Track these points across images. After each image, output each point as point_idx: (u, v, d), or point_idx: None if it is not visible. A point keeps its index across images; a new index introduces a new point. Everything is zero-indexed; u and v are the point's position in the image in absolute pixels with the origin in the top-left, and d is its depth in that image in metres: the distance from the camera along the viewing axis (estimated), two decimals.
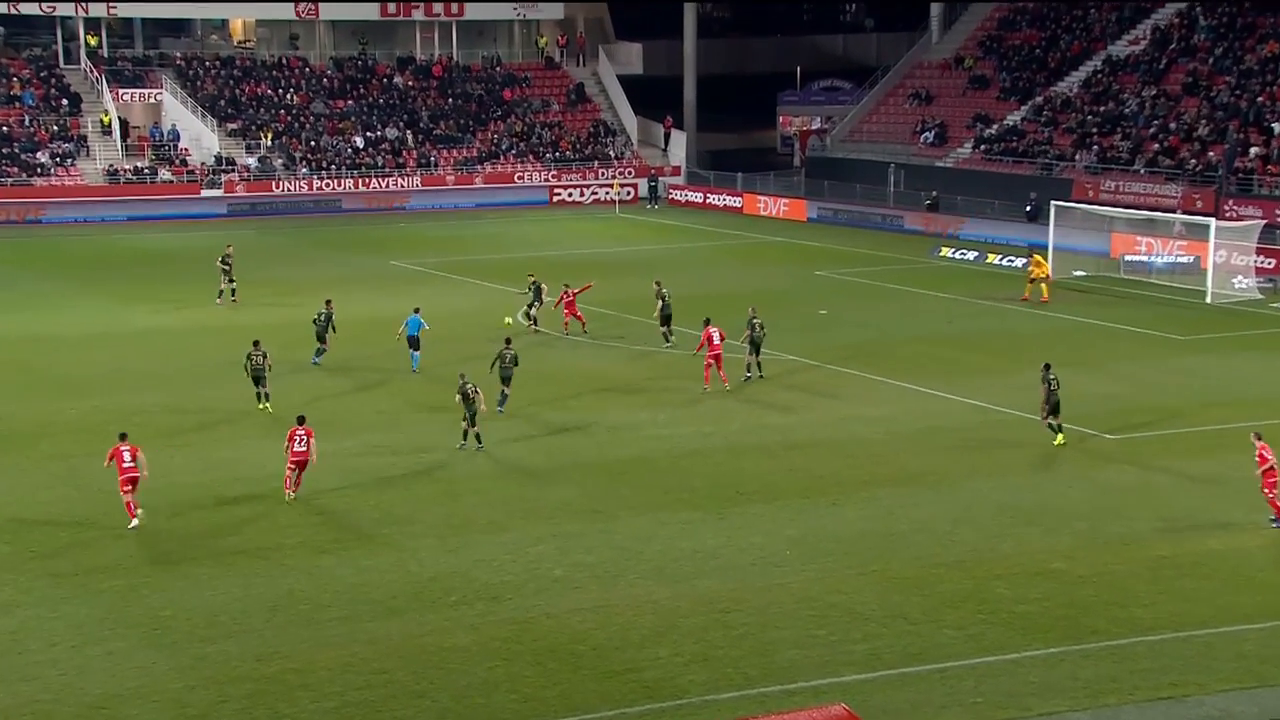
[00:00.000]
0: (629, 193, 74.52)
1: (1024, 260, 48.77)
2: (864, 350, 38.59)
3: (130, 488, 24.06)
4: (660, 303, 38.30)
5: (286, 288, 47.20)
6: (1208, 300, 45.29)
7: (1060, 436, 29.20)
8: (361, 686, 18.69)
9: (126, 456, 24.04)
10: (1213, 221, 46.99)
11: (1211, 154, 59.73)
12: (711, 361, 33.39)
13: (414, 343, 34.27)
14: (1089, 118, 67.21)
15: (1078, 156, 64.99)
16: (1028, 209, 60.53)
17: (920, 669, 19.08)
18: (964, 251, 55.37)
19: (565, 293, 40.14)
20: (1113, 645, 19.78)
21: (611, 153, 77.23)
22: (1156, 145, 62.17)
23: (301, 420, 25.65)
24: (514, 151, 75.86)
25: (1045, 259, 46.61)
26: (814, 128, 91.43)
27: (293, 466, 25.21)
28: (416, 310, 34.91)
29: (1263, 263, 48.79)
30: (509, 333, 36.23)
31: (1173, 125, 63.34)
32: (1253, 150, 58.40)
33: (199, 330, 41.01)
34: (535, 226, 66.13)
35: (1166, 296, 46.66)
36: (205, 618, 20.70)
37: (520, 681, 18.81)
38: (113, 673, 18.98)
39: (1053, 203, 51.96)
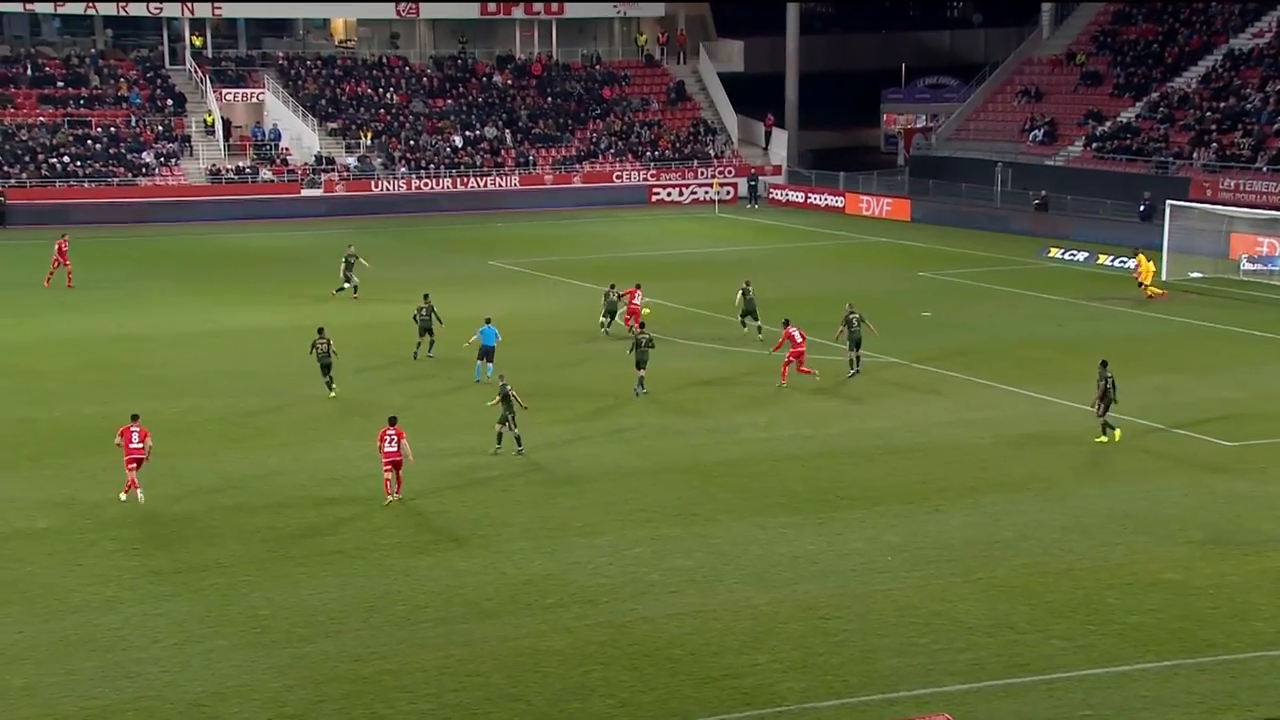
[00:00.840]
0: (728, 192, 74.42)
1: (1132, 260, 48.02)
2: (968, 353, 38.12)
3: (134, 466, 25.22)
4: (741, 296, 39.31)
5: (389, 286, 47.83)
6: None
7: (1104, 436, 28.98)
8: (457, 689, 18.87)
9: (135, 437, 25.30)
10: None
11: None
12: (792, 360, 33.97)
13: (488, 353, 33.99)
14: (1208, 114, 65.68)
15: (1195, 155, 63.55)
16: (1141, 208, 59.34)
17: (1026, 680, 18.81)
18: (1074, 252, 54.43)
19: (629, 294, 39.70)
20: (1230, 660, 19.35)
21: (711, 152, 77.18)
22: None
23: (393, 421, 25.77)
24: (612, 150, 76.14)
25: (1149, 258, 46.02)
26: (919, 126, 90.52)
27: (388, 468, 25.45)
28: (489, 320, 34.60)
29: None
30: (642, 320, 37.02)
31: None
32: None
33: (299, 329, 41.77)
34: (633, 226, 66.30)
35: None
36: (303, 617, 21.05)
37: (616, 686, 18.87)
38: (213, 671, 19.39)
39: (1168, 202, 50.89)
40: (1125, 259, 49.79)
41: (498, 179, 72.95)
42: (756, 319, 39.11)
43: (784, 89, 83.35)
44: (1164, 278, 48.85)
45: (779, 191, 75.00)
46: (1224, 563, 22.61)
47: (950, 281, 50.18)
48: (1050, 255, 55.21)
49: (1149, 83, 71.16)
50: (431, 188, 72.03)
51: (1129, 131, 68.10)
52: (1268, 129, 62.48)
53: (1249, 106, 64.70)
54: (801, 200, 73.13)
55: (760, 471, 27.76)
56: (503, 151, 74.71)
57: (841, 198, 71.18)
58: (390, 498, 25.60)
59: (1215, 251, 50.91)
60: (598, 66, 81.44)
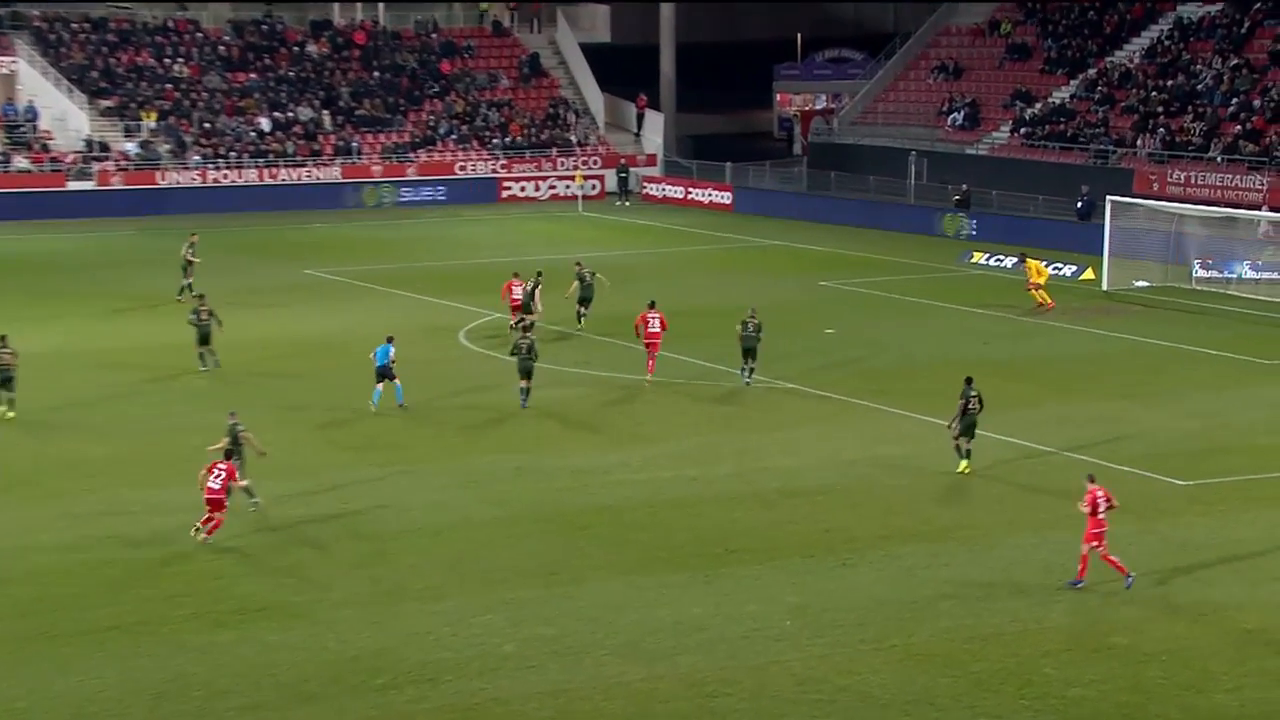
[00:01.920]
0: (594, 186, 74.79)
1: (1016, 262, 49.85)
2: (880, 377, 38.75)
3: None
4: (578, 283, 43.22)
5: (171, 300, 47.05)
6: None
7: (965, 464, 30.21)
8: None
9: None
10: None
11: None
12: (649, 348, 37.26)
13: (384, 373, 34.78)
14: (1153, 94, 67.81)
15: (1140, 142, 65.56)
16: (1079, 205, 61.02)
17: None
18: (1000, 257, 55.70)
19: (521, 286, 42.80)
20: None
21: (573, 138, 77.51)
22: (1237, 128, 62.75)
23: (229, 455, 27.04)
24: (454, 137, 76.03)
25: (1039, 262, 47.94)
26: (818, 108, 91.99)
27: (210, 507, 26.18)
28: (390, 339, 35.17)
29: None
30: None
31: (1257, 103, 63.97)
32: None
33: (72, 354, 40.84)
34: (480, 227, 66.22)
35: (1250, 312, 47.07)
36: (72, 710, 20.56)
37: None
38: None
39: (1109, 198, 52.41)
40: (1010, 259, 51.31)
41: (314, 170, 72.34)
42: (587, 308, 43.07)
43: (658, 63, 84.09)
44: (1105, 287, 50.28)
45: (654, 185, 75.57)
46: (1178, 624, 23.24)
47: (857, 292, 51.01)
48: (973, 260, 56.44)
49: (1085, 57, 73.28)
50: (233, 180, 71.14)
51: (1062, 115, 70.01)
52: (1222, 112, 64.73)
53: (1200, 86, 66.97)
54: (681, 196, 73.78)
55: (636, 520, 27.85)
56: (320, 137, 74.10)
57: (728, 193, 72.03)
58: (200, 536, 26.19)
59: (1164, 256, 52.53)
60: (434, 35, 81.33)
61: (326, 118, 75.07)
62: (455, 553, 26.20)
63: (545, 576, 25.09)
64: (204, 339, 38.27)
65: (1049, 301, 46.83)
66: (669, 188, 74.73)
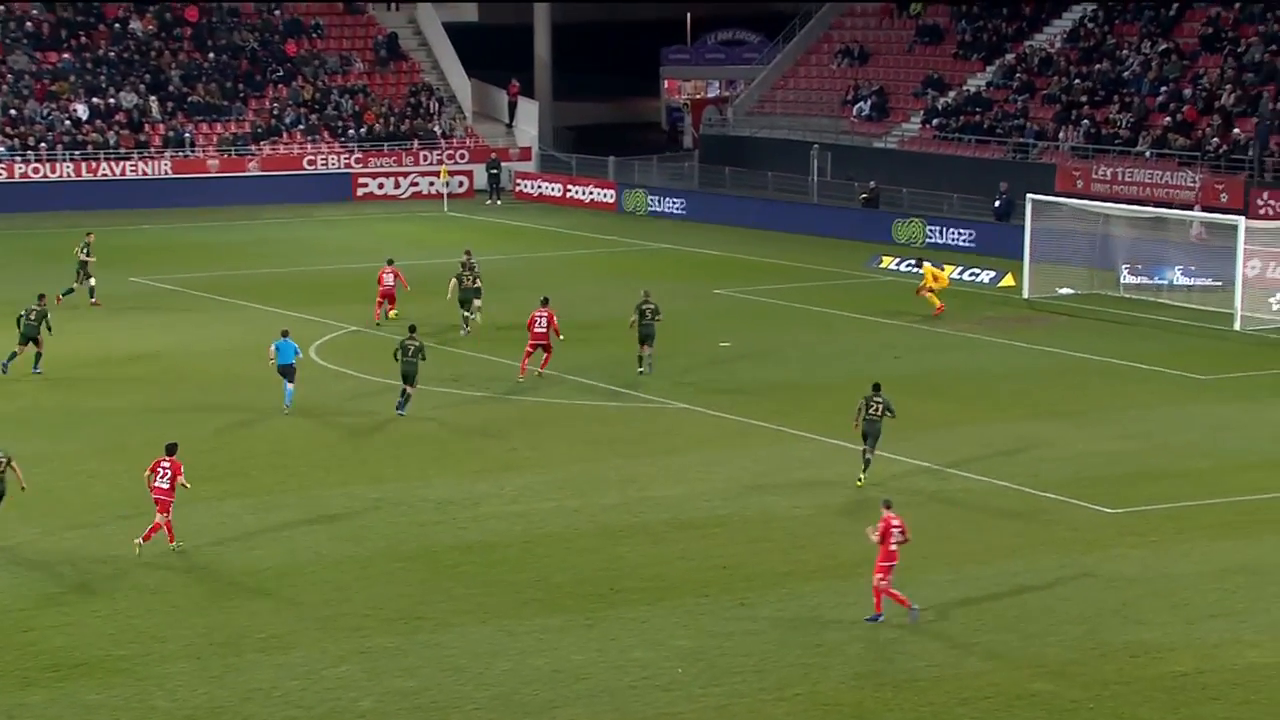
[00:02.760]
0: (462, 183, 74.59)
1: (916, 266, 51.07)
2: (779, 395, 38.98)
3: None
4: (457, 282, 44.72)
5: None
6: (1236, 327, 46.67)
7: (864, 474, 31.60)
8: None
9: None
10: (1242, 221, 48.47)
11: (1239, 131, 61.66)
12: (530, 350, 39.09)
13: (288, 372, 36.54)
14: (1076, 82, 68.99)
15: (1062, 134, 66.66)
16: (996, 204, 61.89)
17: None
18: (913, 261, 56.30)
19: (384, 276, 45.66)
20: None
21: (437, 129, 77.27)
22: (1166, 119, 64.01)
23: (170, 450, 27.81)
24: (302, 127, 75.46)
25: (937, 266, 49.22)
26: (710, 96, 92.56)
27: (160, 511, 27.44)
28: (285, 333, 37.25)
29: None
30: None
31: (1187, 92, 65.31)
32: None
33: None
34: (332, 230, 65.75)
35: (1183, 322, 47.99)
36: None
37: None
38: None
39: (1029, 196, 53.20)
40: (927, 263, 52.05)
41: (141, 164, 71.42)
42: (474, 303, 44.77)
43: (532, 46, 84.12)
44: (1026, 294, 51.02)
45: (529, 182, 75.56)
46: (1107, 667, 23.54)
47: (755, 301, 51.32)
48: (883, 265, 57.02)
49: (1002, 40, 74.40)
50: (44, 175, 70.04)
51: (978, 104, 71.01)
52: (1150, 102, 66.00)
53: (1126, 73, 68.24)
54: (559, 194, 73.84)
55: (509, 558, 27.76)
56: (147, 127, 73.13)
57: (611, 190, 72.18)
58: (139, 544, 27.38)
59: (1090, 260, 53.40)
60: (278, 13, 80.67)
61: (154, 105, 74.13)
62: (304, 597, 25.92)
63: (407, 622, 24.88)
64: (27, 339, 39.00)
65: (938, 305, 47.68)
66: (545, 185, 74.74)
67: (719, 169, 73.52)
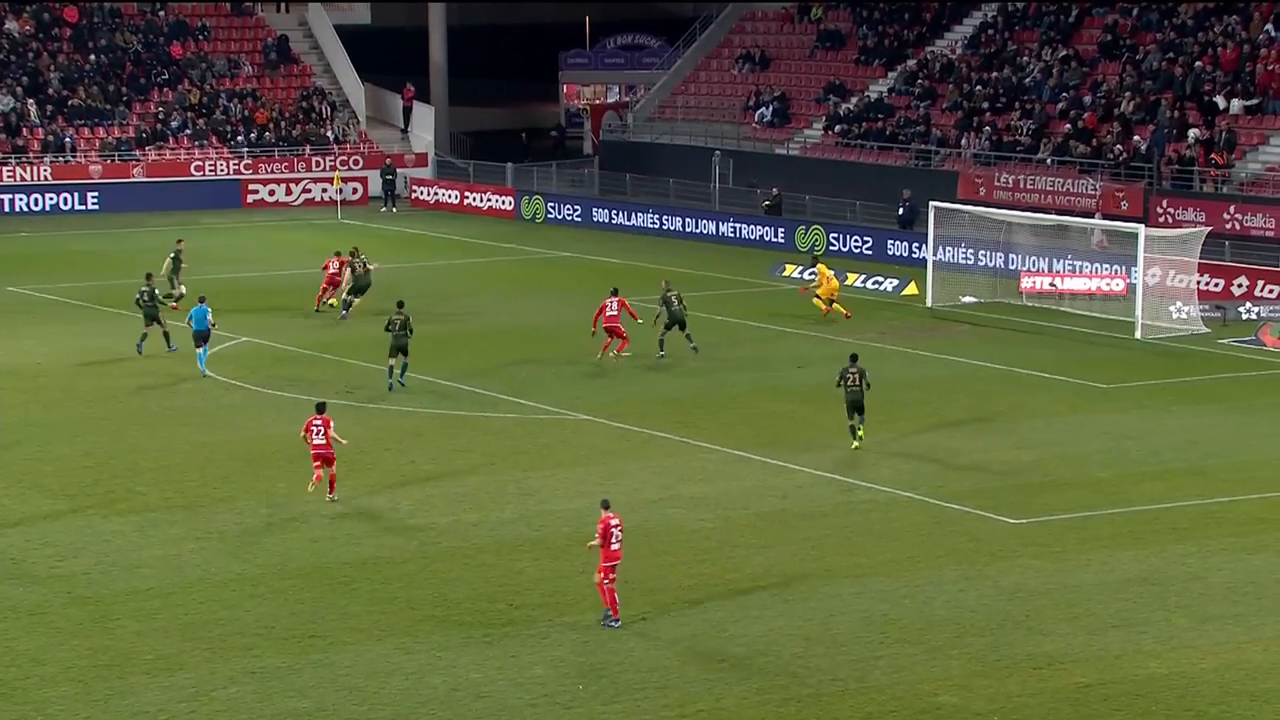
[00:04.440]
0: (355, 190, 74.25)
1: (811, 271, 51.61)
2: (685, 406, 39.09)
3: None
4: (351, 272, 47.54)
5: None
6: (1137, 335, 47.33)
7: (856, 443, 34.60)
8: None
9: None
10: (1142, 229, 49.16)
11: (1138, 138, 62.59)
12: (608, 340, 42.44)
13: (202, 338, 40.17)
14: (978, 89, 69.73)
15: (964, 141, 67.36)
16: (900, 211, 62.41)
17: None
18: (816, 270, 56.62)
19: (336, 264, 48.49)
20: None
21: (330, 134, 76.87)
22: (1067, 126, 64.84)
23: (320, 408, 31.28)
24: (189, 132, 74.77)
25: (828, 269, 50.13)
26: (610, 101, 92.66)
27: (318, 463, 30.89)
28: (203, 299, 40.70)
29: (1209, 284, 51.25)
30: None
31: (1087, 99, 66.21)
32: (1191, 134, 61.43)
33: None
34: (221, 238, 65.19)
35: (1084, 330, 48.59)
36: None
37: None
38: None
39: (932, 204, 53.70)
40: (806, 268, 52.35)
41: (18, 170, 70.47)
42: (356, 295, 47.56)
43: (427, 49, 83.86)
44: (929, 303, 51.48)
45: (425, 189, 75.33)
46: (1011, 679, 23.76)
47: (655, 309, 51.34)
48: (786, 273, 57.32)
49: (903, 46, 75.11)
50: None
51: (880, 110, 71.62)
52: (1051, 109, 66.85)
53: (1028, 80, 69.07)
54: (456, 201, 73.67)
55: (406, 574, 27.65)
56: (24, 130, 72.13)
57: (510, 197, 72.09)
58: (313, 488, 30.83)
59: (993, 268, 53.99)
60: (162, 13, 79.84)
61: (32, 108, 73.14)
62: (192, 616, 25.69)
63: (299, 641, 24.72)
64: (150, 319, 41.84)
65: (824, 308, 48.45)
66: (442, 192, 74.53)
67: (619, 175, 73.61)
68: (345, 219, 69.91)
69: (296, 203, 73.70)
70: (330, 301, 48.47)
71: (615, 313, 42.50)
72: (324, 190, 73.49)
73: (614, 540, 25.15)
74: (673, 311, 42.99)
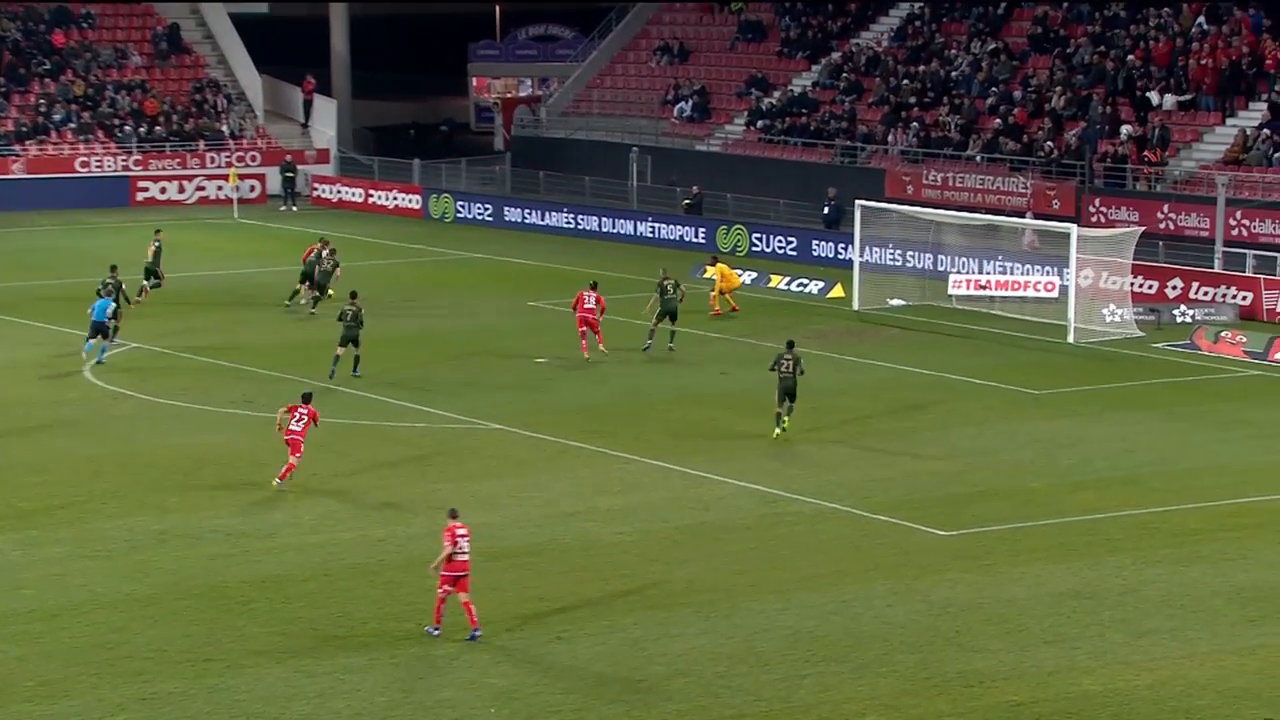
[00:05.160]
0: (253, 188, 73.75)
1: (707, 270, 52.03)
2: (602, 414, 39.09)
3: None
4: (316, 259, 49.49)
5: None
6: (1070, 339, 47.76)
7: (777, 431, 36.23)
8: None
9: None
10: (1074, 229, 49.58)
11: (1070, 134, 63.19)
12: (583, 332, 43.69)
13: (99, 328, 41.94)
14: (905, 83, 70.16)
15: (891, 137, 67.75)
16: (825, 210, 62.69)
17: None
18: (739, 270, 56.77)
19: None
20: None
21: (225, 129, 76.30)
22: (997, 122, 65.36)
23: (307, 399, 32.91)
24: (73, 125, 74.01)
25: (728, 265, 51.00)
26: (522, 95, 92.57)
27: (292, 450, 32.57)
28: (98, 292, 42.47)
29: (1142, 286, 51.80)
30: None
31: (1017, 94, 66.78)
32: (1124, 130, 62.10)
33: None
34: (109, 237, 64.53)
35: (1016, 334, 48.96)
36: None
37: None
38: None
39: (858, 202, 53.96)
40: (749, 273, 52.42)
41: None
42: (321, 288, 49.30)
43: (329, 39, 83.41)
44: (856, 306, 51.72)
45: (327, 187, 74.94)
46: (941, 698, 23.91)
47: (570, 314, 51.38)
48: (707, 275, 57.35)
49: (827, 38, 75.47)
50: None
51: (804, 105, 71.93)
52: (980, 104, 67.36)
53: (956, 74, 69.58)
54: (360, 200, 73.33)
55: (307, 592, 27.52)
56: None
57: (417, 196, 71.84)
58: (276, 483, 32.44)
59: (922, 269, 54.31)
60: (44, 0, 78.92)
61: None
62: (78, 640, 25.42)
63: (194, 665, 24.54)
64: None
65: (717, 308, 49.17)
66: (345, 190, 74.17)
67: (532, 173, 73.52)
68: (242, 218, 69.43)
69: (190, 201, 73.11)
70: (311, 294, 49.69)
71: (592, 306, 43.82)
72: (219, 188, 72.92)
73: (459, 551, 25.34)
74: (665, 300, 44.45)
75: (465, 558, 25.42)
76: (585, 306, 43.93)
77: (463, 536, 25.43)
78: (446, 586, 25.42)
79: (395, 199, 72.29)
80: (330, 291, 49.53)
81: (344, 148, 79.01)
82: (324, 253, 50.03)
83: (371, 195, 73.04)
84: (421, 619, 26.25)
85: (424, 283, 56.56)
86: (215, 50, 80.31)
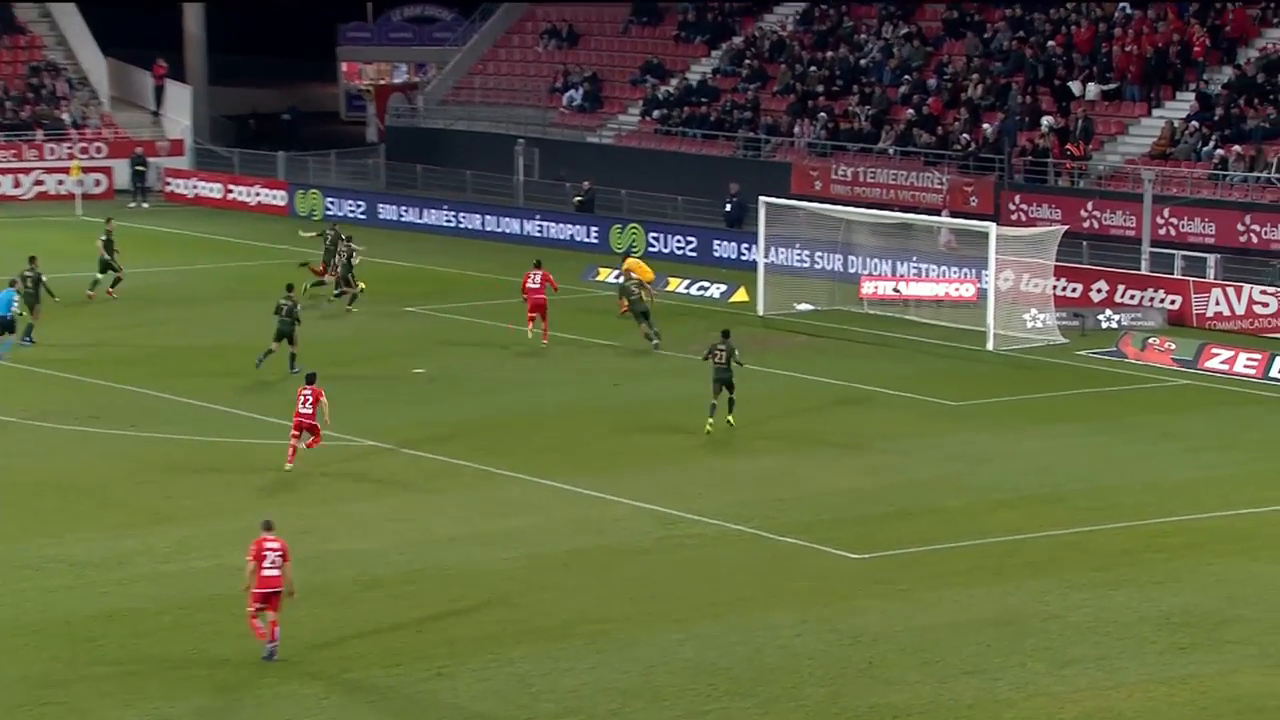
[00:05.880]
0: (99, 182, 73.07)
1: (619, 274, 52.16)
2: (484, 430, 39.06)
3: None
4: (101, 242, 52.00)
5: None
6: (989, 346, 48.21)
7: (710, 422, 37.71)
8: None
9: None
10: (993, 228, 50.05)
11: (987, 126, 63.82)
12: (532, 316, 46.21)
13: (5, 325, 43.50)
14: (812, 70, 70.57)
15: (797, 129, 68.13)
16: (728, 208, 62.95)
17: None
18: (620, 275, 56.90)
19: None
20: None
21: (66, 117, 75.61)
22: (910, 112, 65.89)
23: (310, 379, 35.26)
24: None
25: (641, 260, 51.58)
26: (397, 81, 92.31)
27: (296, 432, 35.03)
28: (13, 283, 44.24)
29: (1066, 289, 52.37)
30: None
31: (932, 82, 67.36)
32: (1045, 121, 62.77)
33: None
34: None
35: (931, 341, 49.34)
36: None
37: None
38: None
39: (762, 199, 54.21)
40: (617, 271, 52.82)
41: None
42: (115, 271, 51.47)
43: (181, 19, 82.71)
44: (761, 311, 51.96)
45: (182, 181, 74.44)
46: None
47: (453, 319, 51.29)
48: (599, 277, 57.46)
49: (729, 21, 75.76)
50: None
51: (704, 94, 72.21)
52: (892, 93, 67.90)
53: (866, 60, 70.09)
54: (219, 195, 72.92)
55: (161, 627, 27.32)
56: None
57: (282, 191, 71.48)
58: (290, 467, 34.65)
59: (831, 271, 54.62)
60: None
61: None
62: None
63: (31, 710, 24.25)
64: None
65: (625, 305, 48.92)
66: (202, 184, 73.68)
67: (409, 167, 73.32)
68: (87, 215, 68.66)
69: (27, 196, 72.35)
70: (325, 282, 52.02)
71: (537, 285, 46.14)
72: (60, 182, 72.23)
73: (268, 565, 25.50)
74: (632, 303, 46.79)
75: (276, 573, 25.55)
76: (529, 286, 46.21)
77: (273, 550, 25.59)
78: (258, 605, 25.55)
79: (258, 195, 71.88)
80: (361, 285, 51.39)
81: (200, 139, 78.40)
82: (333, 241, 52.11)
83: (231, 191, 72.60)
84: (288, 655, 26.10)
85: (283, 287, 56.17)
86: (54, 30, 79.47)
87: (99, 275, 52.02)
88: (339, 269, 51.44)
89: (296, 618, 27.67)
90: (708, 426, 38.02)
